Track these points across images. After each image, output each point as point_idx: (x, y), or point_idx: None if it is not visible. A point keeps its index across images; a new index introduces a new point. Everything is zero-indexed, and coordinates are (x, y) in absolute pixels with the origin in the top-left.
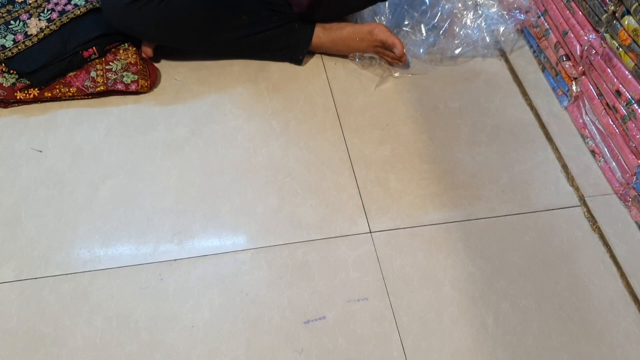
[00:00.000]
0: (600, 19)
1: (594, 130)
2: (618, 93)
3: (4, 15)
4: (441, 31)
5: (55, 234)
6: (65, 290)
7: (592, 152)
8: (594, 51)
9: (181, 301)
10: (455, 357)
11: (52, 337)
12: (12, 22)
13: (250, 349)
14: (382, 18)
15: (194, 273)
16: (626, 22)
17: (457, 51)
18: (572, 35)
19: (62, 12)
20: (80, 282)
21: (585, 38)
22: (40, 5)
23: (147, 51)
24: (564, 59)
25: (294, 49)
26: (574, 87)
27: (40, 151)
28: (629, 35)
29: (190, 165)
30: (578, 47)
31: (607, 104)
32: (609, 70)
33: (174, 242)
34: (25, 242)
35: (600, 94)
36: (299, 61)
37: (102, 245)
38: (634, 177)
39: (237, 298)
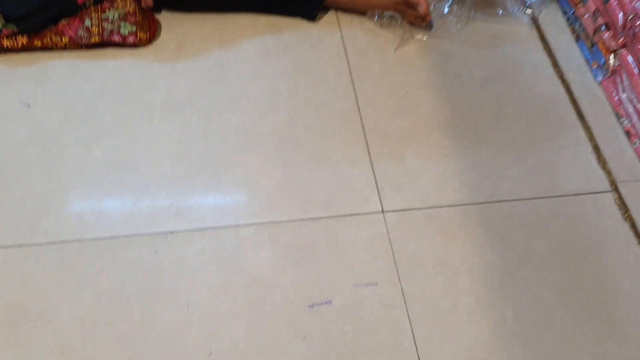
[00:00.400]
0: None
1: (631, 109)
2: None
3: None
4: None
5: (42, 198)
6: (52, 260)
7: (627, 132)
8: (639, 21)
9: (177, 278)
10: (469, 351)
11: (36, 311)
12: None
13: (250, 333)
14: None
15: (192, 247)
16: None
17: (484, 12)
18: (615, 3)
19: None
20: (68, 252)
21: (631, 5)
22: None
23: (147, 0)
24: (603, 29)
25: (308, 3)
26: (611, 61)
27: (29, 105)
28: None
29: (190, 129)
30: (621, 15)
31: None
32: None
33: (170, 212)
34: (9, 206)
35: None
36: (312, 17)
37: (92, 212)
38: None
39: (237, 277)
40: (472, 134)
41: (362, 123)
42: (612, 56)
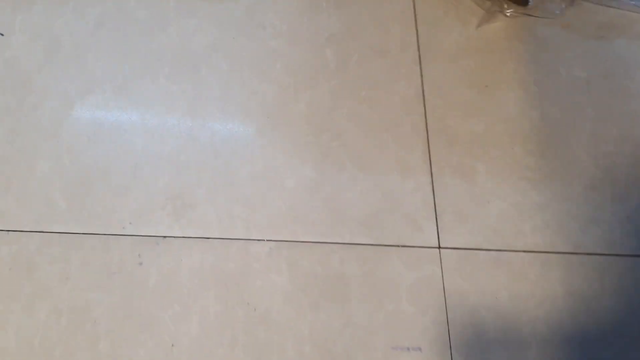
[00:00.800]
0: None
1: None
2: None
3: None
4: None
5: (2, 167)
6: (4, 254)
7: None
8: None
9: (163, 302)
10: None
11: None
12: None
13: None
14: None
15: (187, 262)
16: None
17: None
18: None
19: None
20: (26, 246)
21: None
22: None
23: None
24: None
25: None
26: None
27: (2, 34)
28: None
29: (205, 95)
30: None
31: None
32: None
33: (166, 210)
34: None
35: None
36: None
37: (63, 195)
38: None
39: (240, 311)
40: (564, 154)
41: (425, 118)
42: None
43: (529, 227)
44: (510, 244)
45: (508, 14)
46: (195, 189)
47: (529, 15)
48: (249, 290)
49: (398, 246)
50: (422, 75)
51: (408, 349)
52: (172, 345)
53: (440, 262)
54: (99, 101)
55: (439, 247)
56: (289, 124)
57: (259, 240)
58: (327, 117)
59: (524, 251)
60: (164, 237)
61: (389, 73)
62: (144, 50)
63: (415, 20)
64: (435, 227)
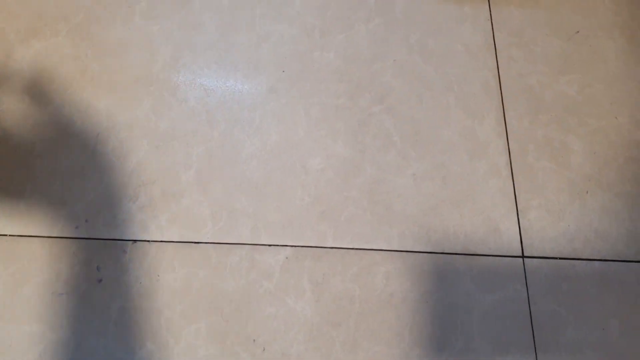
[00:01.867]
0: None
1: None
2: None
3: None
4: None
5: None
6: None
7: None
8: None
9: (130, 340)
10: None
11: None
12: None
13: None
14: None
15: (167, 279)
16: None
17: None
18: None
19: None
20: None
21: None
22: None
23: None
24: None
25: None
26: None
27: None
28: None
29: (196, 39)
30: None
31: None
32: None
33: (137, 201)
34: None
35: None
36: None
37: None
38: None
39: (242, 352)
40: None
41: (498, 75)
42: None
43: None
44: (620, 252)
45: None
46: (180, 170)
47: None
48: (255, 320)
49: (466, 255)
50: (491, 17)
51: None
52: None
53: (525, 278)
54: (49, 46)
55: (523, 257)
56: (313, 80)
57: (270, 245)
58: (365, 71)
59: (639, 261)
60: (134, 241)
61: (448, 12)
62: None
63: None
64: (517, 228)
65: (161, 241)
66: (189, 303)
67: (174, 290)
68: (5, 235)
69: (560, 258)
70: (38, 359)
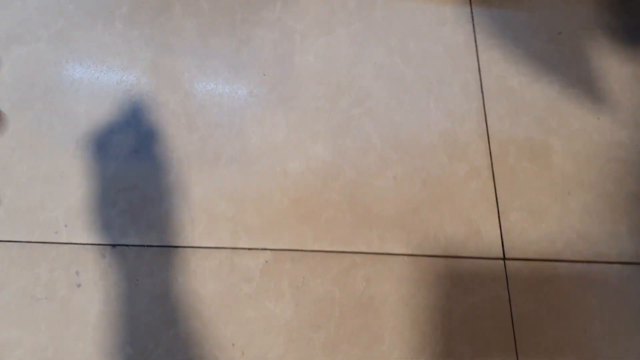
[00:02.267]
0: None
1: None
2: None
3: None
4: None
5: None
6: None
7: None
8: None
9: (109, 344)
10: None
11: None
12: None
13: None
14: None
15: (145, 283)
16: None
17: None
18: None
19: None
20: None
21: None
22: None
23: None
24: None
25: None
26: None
27: None
28: None
29: (176, 43)
30: None
31: None
32: None
33: (117, 206)
34: None
35: None
36: None
37: None
38: None
39: (221, 356)
40: None
41: (480, 76)
42: None
43: (625, 228)
44: (602, 253)
45: None
46: (160, 175)
47: None
48: (235, 325)
49: (447, 257)
50: (473, 18)
51: None
52: None
53: (507, 280)
54: (30, 52)
55: (504, 259)
56: (294, 84)
57: (250, 249)
58: (345, 75)
59: (621, 262)
60: (113, 245)
61: (429, 14)
62: None
63: None
64: (499, 230)
65: (140, 245)
66: (168, 307)
67: (153, 295)
68: None
69: (542, 260)
70: None
